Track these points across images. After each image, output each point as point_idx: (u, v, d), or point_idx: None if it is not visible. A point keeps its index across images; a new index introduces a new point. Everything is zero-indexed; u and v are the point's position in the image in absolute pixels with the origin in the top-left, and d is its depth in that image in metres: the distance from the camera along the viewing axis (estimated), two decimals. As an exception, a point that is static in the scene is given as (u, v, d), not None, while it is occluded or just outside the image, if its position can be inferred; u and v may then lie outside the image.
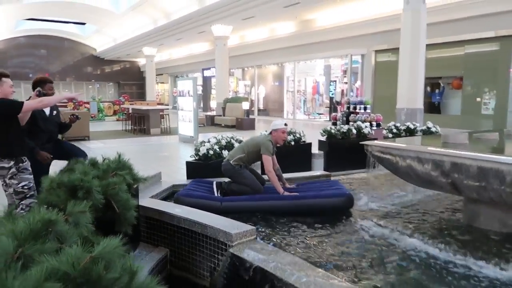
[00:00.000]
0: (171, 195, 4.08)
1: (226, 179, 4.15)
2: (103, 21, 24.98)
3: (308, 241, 2.98)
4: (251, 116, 16.67)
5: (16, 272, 1.16)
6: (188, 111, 10.63)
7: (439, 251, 2.64)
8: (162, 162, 8.17)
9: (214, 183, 4.01)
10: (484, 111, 12.76)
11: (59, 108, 4.10)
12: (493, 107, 12.53)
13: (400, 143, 3.40)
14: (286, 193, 3.77)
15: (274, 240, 3.03)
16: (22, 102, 3.05)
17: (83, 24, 28.86)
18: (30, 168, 3.17)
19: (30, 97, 3.61)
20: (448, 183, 2.82)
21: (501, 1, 11.28)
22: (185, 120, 10.77)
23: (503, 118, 12.06)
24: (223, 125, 16.34)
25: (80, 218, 1.65)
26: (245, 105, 15.26)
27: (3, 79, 3.11)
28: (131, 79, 36.80)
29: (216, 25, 18.19)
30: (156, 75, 28.98)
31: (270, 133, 4.13)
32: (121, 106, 20.26)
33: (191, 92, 10.34)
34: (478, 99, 12.80)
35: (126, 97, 22.74)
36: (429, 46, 11.15)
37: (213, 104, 19.49)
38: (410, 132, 6.90)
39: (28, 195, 3.04)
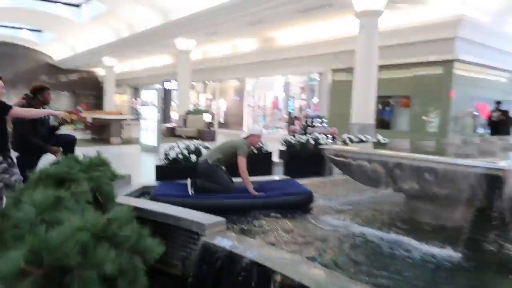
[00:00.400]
0: (142, 195, 4.30)
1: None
2: (63, 30, 24.46)
3: (272, 231, 3.33)
4: (212, 129, 16.96)
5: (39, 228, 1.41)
6: (151, 121, 10.76)
7: (383, 235, 3.09)
8: (127, 168, 8.24)
9: (189, 180, 4.28)
10: (430, 129, 13.86)
11: None
12: (437, 126, 13.65)
13: (352, 147, 3.87)
14: (256, 193, 4.14)
15: (244, 229, 3.36)
16: (11, 106, 3.22)
17: (39, 31, 28.03)
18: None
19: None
20: (392, 181, 3.30)
21: (443, 29, 12.47)
22: (147, 130, 10.88)
23: (445, 135, 13.17)
24: (184, 136, 16.46)
25: (81, 197, 1.90)
26: (207, 117, 15.55)
27: None
28: (88, 89, 35.91)
29: (179, 39, 18.46)
30: (115, 86, 28.58)
31: (247, 137, 4.48)
32: (79, 115, 19.80)
33: (155, 102, 10.51)
34: (424, 117, 13.90)
35: (84, 107, 22.29)
36: (381, 67, 12.05)
37: (173, 115, 19.58)
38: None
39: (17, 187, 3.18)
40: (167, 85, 25.12)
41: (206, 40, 19.11)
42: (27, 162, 3.52)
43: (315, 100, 17.63)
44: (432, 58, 13.15)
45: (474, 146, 4.08)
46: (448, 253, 2.74)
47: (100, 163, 3.08)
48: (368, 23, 11.08)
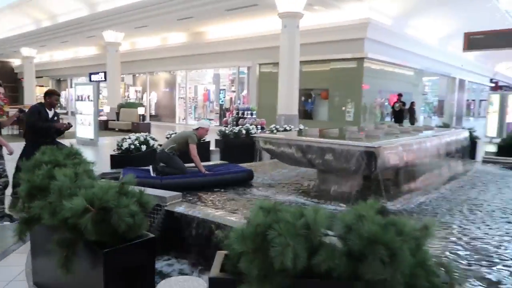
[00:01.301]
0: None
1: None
2: (-28, 17, 22.62)
3: (219, 201, 4.26)
4: (146, 121, 17.28)
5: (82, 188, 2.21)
6: (87, 115, 11.00)
7: (298, 199, 4.20)
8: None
9: (151, 167, 5.03)
10: (347, 118, 15.68)
11: None
12: (353, 114, 15.52)
13: (277, 135, 4.93)
14: (208, 173, 5.07)
15: (198, 201, 4.25)
16: None
17: None
18: None
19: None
20: (306, 160, 4.40)
21: (354, 30, 14.21)
22: (84, 123, 11.10)
23: (359, 123, 15.04)
24: (117, 129, 16.61)
25: (90, 173, 2.66)
26: (141, 110, 15.87)
27: None
28: (2, 81, 33.25)
29: (107, 31, 18.33)
30: (36, 77, 27.09)
31: (197, 129, 5.35)
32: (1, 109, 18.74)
33: (91, 97, 10.77)
34: (343, 108, 15.68)
35: (5, 101, 20.95)
36: (304, 62, 13.41)
37: (104, 108, 19.42)
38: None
39: (3, 176, 3.71)
40: (95, 77, 24.52)
41: (135, 33, 19.18)
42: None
43: (244, 92, 18.72)
44: (346, 55, 14.88)
45: (367, 131, 5.36)
46: (341, 209, 3.91)
47: (75, 153, 3.75)
48: (290, 23, 12.32)
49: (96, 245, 2.06)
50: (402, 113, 14.33)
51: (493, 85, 28.33)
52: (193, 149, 5.09)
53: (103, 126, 17.28)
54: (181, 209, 3.75)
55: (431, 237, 1.85)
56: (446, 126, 9.22)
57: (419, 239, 1.80)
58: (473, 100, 30.45)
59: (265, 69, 17.68)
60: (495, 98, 14.52)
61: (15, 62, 32.16)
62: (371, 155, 3.83)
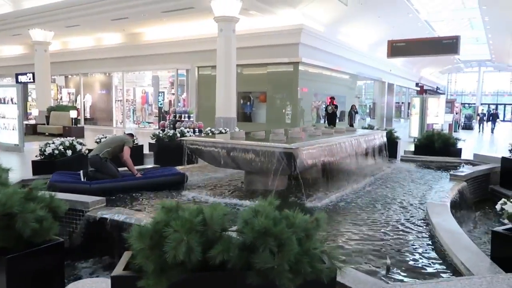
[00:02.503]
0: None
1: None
2: None
3: (147, 204, 4.28)
4: (79, 125, 16.53)
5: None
6: (11, 119, 10.34)
7: (226, 200, 4.35)
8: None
9: (81, 172, 4.90)
10: (287, 120, 16.15)
11: None
12: (291, 117, 16.02)
13: (205, 137, 5.05)
14: (140, 176, 5.04)
15: (126, 206, 4.22)
16: None
17: None
18: None
19: None
20: (231, 161, 4.56)
21: (289, 35, 14.72)
22: (7, 128, 10.42)
23: (296, 125, 15.56)
24: (47, 134, 15.71)
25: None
26: (73, 114, 15.17)
27: None
28: None
29: (35, 30, 17.29)
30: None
31: (130, 134, 5.49)
32: None
33: (15, 99, 10.14)
34: (284, 110, 16.12)
35: None
36: (241, 66, 13.62)
37: (33, 112, 18.28)
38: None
39: None
40: (22, 78, 22.96)
41: (66, 32, 18.28)
42: None
43: (184, 95, 18.59)
44: (282, 59, 15.35)
45: (292, 133, 5.66)
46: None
47: (-13, 159, 3.59)
48: (226, 27, 12.49)
49: (-1, 251, 2.04)
50: (335, 115, 15.06)
51: (418, 89, 30.64)
52: (127, 152, 5.12)
53: (31, 131, 16.26)
54: (103, 213, 3.74)
55: (320, 228, 2.08)
56: (370, 127, 9.89)
57: (309, 230, 2.02)
58: (403, 102, 32.76)
59: (204, 71, 17.70)
60: (417, 101, 15.75)
61: None
62: (290, 156, 4.07)
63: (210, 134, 8.62)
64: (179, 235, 1.65)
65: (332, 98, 15.25)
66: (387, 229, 3.60)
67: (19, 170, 7.68)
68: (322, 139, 4.92)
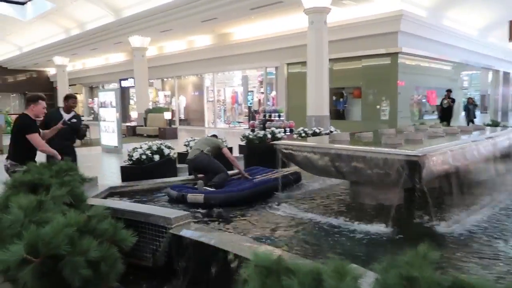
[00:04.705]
0: (108, 196, 4.52)
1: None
2: (7, 29, 23.34)
3: (239, 222, 3.70)
4: (173, 126, 17.05)
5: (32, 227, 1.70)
6: (111, 122, 10.78)
7: (329, 219, 3.55)
8: (90, 170, 8.34)
9: (199, 182, 4.59)
10: (382, 117, 14.73)
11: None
12: (388, 113, 14.54)
13: (301, 141, 4.31)
14: (248, 176, 4.84)
15: (210, 222, 3.70)
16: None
17: (-18, 31, 26.54)
18: None
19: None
20: (334, 170, 3.75)
21: (387, 24, 13.28)
22: (108, 130, 10.89)
23: (395, 122, 14.05)
24: (145, 135, 16.46)
25: (60, 200, 2.17)
26: (167, 115, 15.63)
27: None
28: (38, 90, 34.10)
29: (133, 36, 18.29)
30: (69, 85, 27.72)
31: (215, 135, 5.21)
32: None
33: (113, 103, 10.53)
34: (378, 106, 14.74)
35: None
36: (333, 60, 12.66)
37: (133, 114, 19.42)
38: (316, 136, 8.03)
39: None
40: (125, 83, 24.72)
41: (161, 37, 19.05)
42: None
43: (273, 93, 18.12)
44: (379, 50, 13.95)
45: (407, 134, 4.63)
46: (380, 229, 3.23)
47: (68, 168, 3.30)
48: (317, 19, 11.60)
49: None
50: (451, 111, 13.17)
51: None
52: (229, 152, 4.90)
53: (132, 132, 17.21)
54: (188, 232, 3.21)
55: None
56: (495, 124, 8.23)
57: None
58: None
59: (293, 69, 17.01)
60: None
61: (50, 71, 33.13)
62: (414, 165, 3.14)
63: (304, 134, 7.87)
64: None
65: (449, 91, 13.36)
66: None
67: (111, 174, 7.77)
68: (452, 141, 3.86)
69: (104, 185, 4.78)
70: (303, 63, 14.83)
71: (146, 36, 18.42)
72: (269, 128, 9.82)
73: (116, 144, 10.72)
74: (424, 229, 3.31)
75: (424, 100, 16.37)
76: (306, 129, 8.29)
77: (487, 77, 22.40)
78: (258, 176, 4.91)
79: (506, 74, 23.30)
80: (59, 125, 4.93)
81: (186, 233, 3.19)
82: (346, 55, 14.65)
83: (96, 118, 15.31)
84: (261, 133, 7.71)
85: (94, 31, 18.58)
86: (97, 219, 1.78)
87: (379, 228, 3.28)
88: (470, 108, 14.13)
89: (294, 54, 16.24)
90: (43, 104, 4.26)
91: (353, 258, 2.67)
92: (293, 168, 4.95)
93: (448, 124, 10.16)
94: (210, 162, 4.77)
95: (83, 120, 5.69)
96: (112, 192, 4.57)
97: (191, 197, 4.11)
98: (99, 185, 4.73)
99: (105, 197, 4.41)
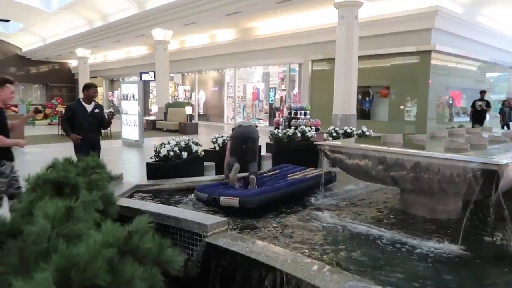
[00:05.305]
0: (133, 195, 4.20)
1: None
2: (31, 20, 23.48)
3: (278, 231, 3.32)
4: (193, 121, 16.78)
5: (61, 245, 1.35)
6: (132, 115, 10.54)
7: (383, 232, 3.13)
8: (112, 165, 8.09)
9: (252, 182, 4.13)
10: (406, 118, 14.15)
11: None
12: (415, 114, 13.95)
13: (348, 143, 3.90)
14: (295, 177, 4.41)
15: (245, 229, 3.34)
16: None
17: (7, 21, 26.80)
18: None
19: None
20: (389, 176, 3.34)
21: (420, 20, 12.68)
22: (129, 124, 10.66)
23: (423, 124, 13.45)
24: (165, 129, 16.25)
25: (91, 206, 1.83)
26: (188, 110, 15.36)
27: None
28: (60, 81, 34.76)
29: (156, 29, 18.07)
30: (90, 77, 27.81)
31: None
32: (55, 109, 19.34)
33: (136, 96, 10.28)
34: (401, 106, 14.17)
35: (59, 100, 21.58)
36: (360, 57, 12.14)
37: (153, 108, 19.26)
38: (348, 136, 7.57)
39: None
40: (145, 77, 24.61)
41: (183, 31, 18.79)
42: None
43: (295, 90, 17.68)
44: (410, 48, 13.37)
45: (462, 138, 4.18)
46: (450, 247, 2.80)
47: (96, 165, 2.98)
48: (348, 13, 11.13)
49: None
50: (485, 114, 12.51)
51: None
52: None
53: (151, 126, 17.02)
54: (228, 243, 2.84)
55: None
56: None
57: None
58: None
59: (318, 66, 16.52)
60: None
61: (72, 63, 33.36)
62: (491, 174, 2.71)
63: (335, 134, 7.44)
64: None
65: (483, 92, 12.71)
66: None
67: (137, 170, 7.49)
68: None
69: (129, 182, 4.46)
70: (329, 60, 14.36)
71: (168, 29, 18.18)
72: (295, 126, 9.42)
73: (137, 138, 10.47)
74: (499, 249, 2.87)
75: (450, 102, 15.68)
76: (337, 129, 7.84)
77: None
78: (291, 175, 4.53)
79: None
80: (31, 113, 4.91)
81: (224, 243, 2.83)
82: (374, 52, 14.09)
83: (116, 111, 15.12)
84: (290, 131, 7.31)
85: (117, 23, 18.45)
86: (140, 235, 1.43)
87: (448, 246, 2.84)
88: (505, 110, 13.39)
89: (319, 50, 15.77)
90: (11, 88, 3.61)
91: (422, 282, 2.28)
92: (325, 168, 4.56)
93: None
94: (257, 137, 4.48)
95: (110, 112, 5.44)
96: (139, 191, 4.25)
97: (224, 200, 3.74)
98: (124, 182, 4.42)
99: (129, 197, 4.09)
